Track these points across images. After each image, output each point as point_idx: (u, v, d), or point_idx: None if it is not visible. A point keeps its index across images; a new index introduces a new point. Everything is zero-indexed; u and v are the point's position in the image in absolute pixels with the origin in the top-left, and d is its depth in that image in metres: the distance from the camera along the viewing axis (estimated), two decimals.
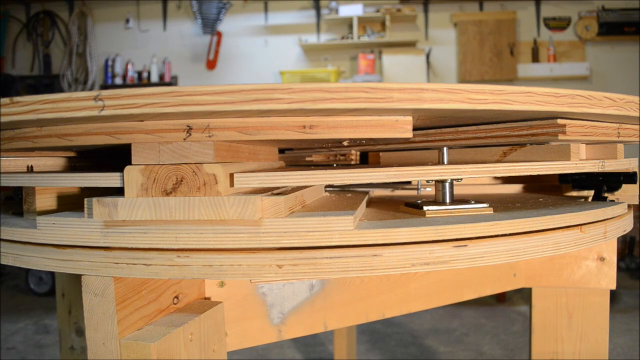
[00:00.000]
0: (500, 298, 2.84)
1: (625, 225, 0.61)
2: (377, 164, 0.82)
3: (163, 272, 0.44)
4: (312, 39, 4.21)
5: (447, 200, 0.57)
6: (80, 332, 0.92)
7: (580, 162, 0.55)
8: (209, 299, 0.57)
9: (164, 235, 0.44)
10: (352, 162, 0.87)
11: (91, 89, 4.28)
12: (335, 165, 0.85)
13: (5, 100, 0.42)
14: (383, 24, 4.08)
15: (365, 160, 0.87)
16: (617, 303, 2.72)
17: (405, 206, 0.58)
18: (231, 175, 0.45)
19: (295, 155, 0.88)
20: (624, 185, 0.69)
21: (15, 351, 2.25)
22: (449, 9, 4.15)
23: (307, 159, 0.88)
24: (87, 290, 0.46)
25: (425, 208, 0.53)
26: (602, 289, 0.80)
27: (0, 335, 2.43)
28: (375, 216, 0.53)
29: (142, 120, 0.44)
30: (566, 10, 4.06)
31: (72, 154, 0.72)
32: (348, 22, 4.10)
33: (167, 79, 4.29)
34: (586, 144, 0.64)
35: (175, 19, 4.37)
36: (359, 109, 0.41)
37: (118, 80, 4.30)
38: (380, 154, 0.81)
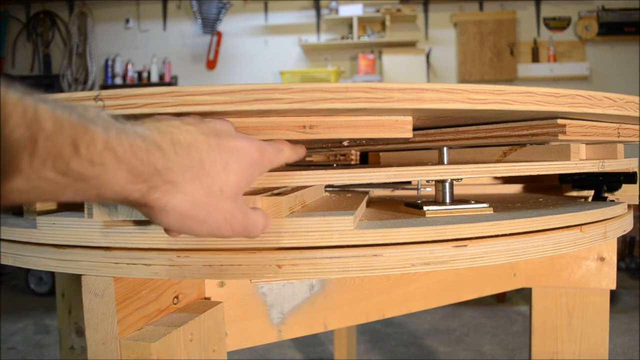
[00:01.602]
0: (500, 298, 2.84)
1: (625, 225, 0.61)
2: (377, 164, 0.82)
3: (163, 272, 0.44)
4: (312, 39, 4.21)
5: (447, 200, 0.57)
6: (80, 332, 0.92)
7: (580, 162, 0.55)
8: (209, 299, 0.57)
9: (164, 235, 0.44)
10: (352, 162, 0.87)
11: (91, 89, 4.28)
12: (335, 165, 0.85)
13: None
14: (383, 24, 4.08)
15: (365, 160, 0.87)
16: (617, 303, 2.72)
17: (405, 206, 0.58)
18: None
19: None
20: (624, 185, 0.69)
21: (15, 351, 2.25)
22: (449, 9, 4.15)
23: (307, 159, 0.88)
24: (87, 290, 0.46)
25: (425, 208, 0.53)
26: (602, 289, 0.80)
27: (0, 335, 2.43)
28: (375, 216, 0.53)
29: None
30: (566, 10, 4.06)
31: None
32: (348, 22, 4.10)
33: (167, 79, 4.29)
34: (586, 144, 0.64)
35: (175, 19, 4.37)
36: (359, 109, 0.41)
37: (118, 80, 4.30)
38: (380, 154, 0.81)
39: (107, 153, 0.29)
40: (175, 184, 0.33)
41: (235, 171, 0.36)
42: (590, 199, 0.69)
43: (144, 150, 0.31)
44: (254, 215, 0.39)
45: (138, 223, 0.45)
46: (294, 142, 0.48)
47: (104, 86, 4.34)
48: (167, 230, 0.38)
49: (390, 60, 4.05)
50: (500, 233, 0.48)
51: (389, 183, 0.80)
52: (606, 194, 0.68)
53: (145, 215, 0.35)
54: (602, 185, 0.68)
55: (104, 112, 0.31)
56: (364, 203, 0.58)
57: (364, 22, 4.11)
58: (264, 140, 0.41)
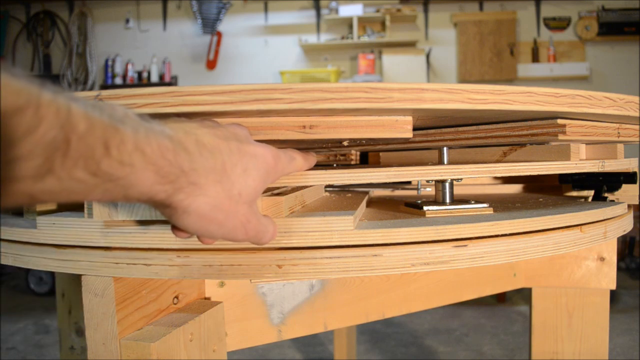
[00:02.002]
0: (500, 298, 2.84)
1: (625, 225, 0.61)
2: (377, 164, 0.82)
3: (163, 272, 0.44)
4: (312, 39, 4.21)
5: (447, 200, 0.57)
6: (80, 332, 0.92)
7: (580, 162, 0.55)
8: (209, 299, 0.57)
9: (164, 235, 0.44)
10: (352, 162, 0.87)
11: (91, 89, 4.28)
12: (335, 165, 0.85)
13: None
14: (383, 24, 4.08)
15: (365, 160, 0.87)
16: (617, 303, 2.72)
17: (405, 206, 0.58)
18: None
19: None
20: (624, 185, 0.69)
21: (15, 351, 2.25)
22: (449, 9, 4.15)
23: None
24: (87, 290, 0.46)
25: (425, 208, 0.53)
26: (602, 289, 0.80)
27: (0, 335, 2.43)
28: (375, 216, 0.53)
29: None
30: (566, 10, 4.06)
31: None
32: (348, 22, 4.10)
33: (167, 79, 4.29)
34: (586, 144, 0.64)
35: (175, 19, 4.37)
36: (359, 109, 0.41)
37: (118, 80, 4.30)
38: (380, 154, 0.81)
39: (136, 154, 0.29)
40: (199, 186, 0.33)
41: (253, 176, 0.37)
42: (590, 199, 0.69)
43: (172, 151, 0.31)
44: (265, 221, 0.40)
45: (138, 223, 0.45)
46: (294, 142, 0.48)
47: (104, 86, 4.34)
48: (176, 231, 0.38)
49: (390, 60, 4.05)
50: (500, 233, 0.48)
51: (389, 183, 0.80)
52: (606, 194, 0.68)
53: (166, 215, 0.35)
54: (602, 185, 0.68)
55: (130, 111, 0.31)
56: (364, 203, 0.58)
57: (364, 22, 4.11)
58: (263, 142, 0.41)
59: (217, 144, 0.35)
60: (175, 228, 0.37)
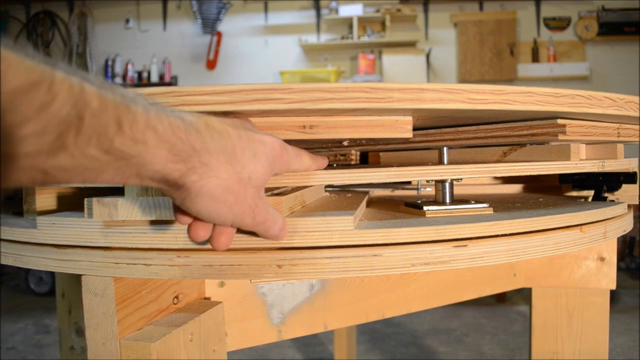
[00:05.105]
0: (500, 298, 2.84)
1: (625, 225, 0.61)
2: (377, 164, 0.82)
3: (163, 272, 0.44)
4: (312, 39, 4.21)
5: (447, 200, 0.57)
6: (80, 332, 0.92)
7: (580, 162, 0.55)
8: (209, 299, 0.57)
9: (164, 235, 0.44)
10: (352, 162, 0.87)
11: None
12: (335, 165, 0.85)
13: None
14: (383, 24, 4.08)
15: (365, 160, 0.87)
16: (617, 303, 2.72)
17: (405, 206, 0.58)
18: None
19: None
20: (624, 185, 0.69)
21: (15, 351, 2.25)
22: (449, 9, 4.15)
23: None
24: (87, 290, 0.46)
25: (425, 208, 0.53)
26: (602, 289, 0.80)
27: (0, 335, 2.43)
28: (375, 216, 0.53)
29: None
30: (566, 10, 4.06)
31: None
32: (348, 22, 4.10)
33: (167, 79, 4.29)
34: (586, 144, 0.64)
35: (175, 19, 4.37)
36: (359, 109, 0.41)
37: (118, 80, 4.30)
38: (380, 154, 0.81)
39: (148, 131, 0.29)
40: (211, 167, 0.34)
41: (262, 162, 0.37)
42: (590, 199, 0.69)
43: (183, 130, 0.32)
44: (274, 211, 0.40)
45: (138, 223, 0.45)
46: (294, 142, 0.48)
47: None
48: (179, 215, 0.38)
49: (390, 60, 4.05)
50: (500, 233, 0.48)
51: (389, 183, 0.80)
52: (606, 194, 0.68)
53: (178, 199, 0.35)
54: (602, 185, 0.68)
55: (140, 94, 0.32)
56: (364, 203, 0.58)
57: (364, 22, 4.11)
58: None
59: (226, 129, 0.35)
60: (179, 212, 0.37)
